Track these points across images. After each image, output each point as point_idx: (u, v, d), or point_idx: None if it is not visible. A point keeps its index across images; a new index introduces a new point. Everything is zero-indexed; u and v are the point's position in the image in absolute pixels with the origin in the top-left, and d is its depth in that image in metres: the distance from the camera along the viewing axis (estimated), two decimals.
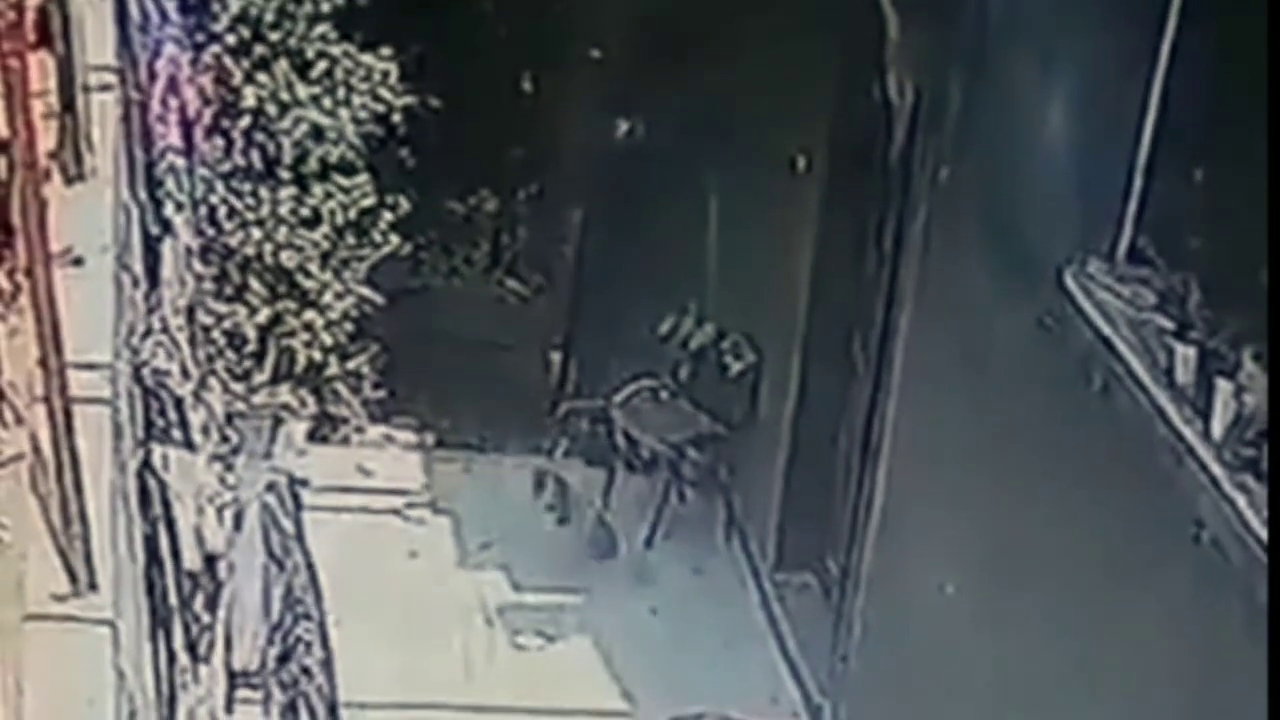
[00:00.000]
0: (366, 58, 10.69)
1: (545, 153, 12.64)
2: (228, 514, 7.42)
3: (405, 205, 11.03)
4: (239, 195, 10.56)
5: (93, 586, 4.71)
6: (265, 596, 8.01)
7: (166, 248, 7.56)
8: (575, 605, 10.26)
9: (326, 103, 10.61)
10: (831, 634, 9.60)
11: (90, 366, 5.20)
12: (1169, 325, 6.81)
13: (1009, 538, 7.78)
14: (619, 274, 11.77)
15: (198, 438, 6.73)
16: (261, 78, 10.48)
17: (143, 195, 7.43)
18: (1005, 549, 7.82)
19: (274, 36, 10.51)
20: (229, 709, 7.97)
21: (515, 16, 12.42)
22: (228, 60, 10.33)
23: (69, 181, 6.06)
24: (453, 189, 12.65)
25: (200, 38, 9.92)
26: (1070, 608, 7.28)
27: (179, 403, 6.51)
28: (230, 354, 10.56)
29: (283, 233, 10.68)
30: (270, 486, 8.17)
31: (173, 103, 8.46)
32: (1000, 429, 7.87)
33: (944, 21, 8.37)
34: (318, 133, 10.62)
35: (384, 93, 10.74)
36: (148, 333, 6.58)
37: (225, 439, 7.77)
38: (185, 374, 6.77)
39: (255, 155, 10.57)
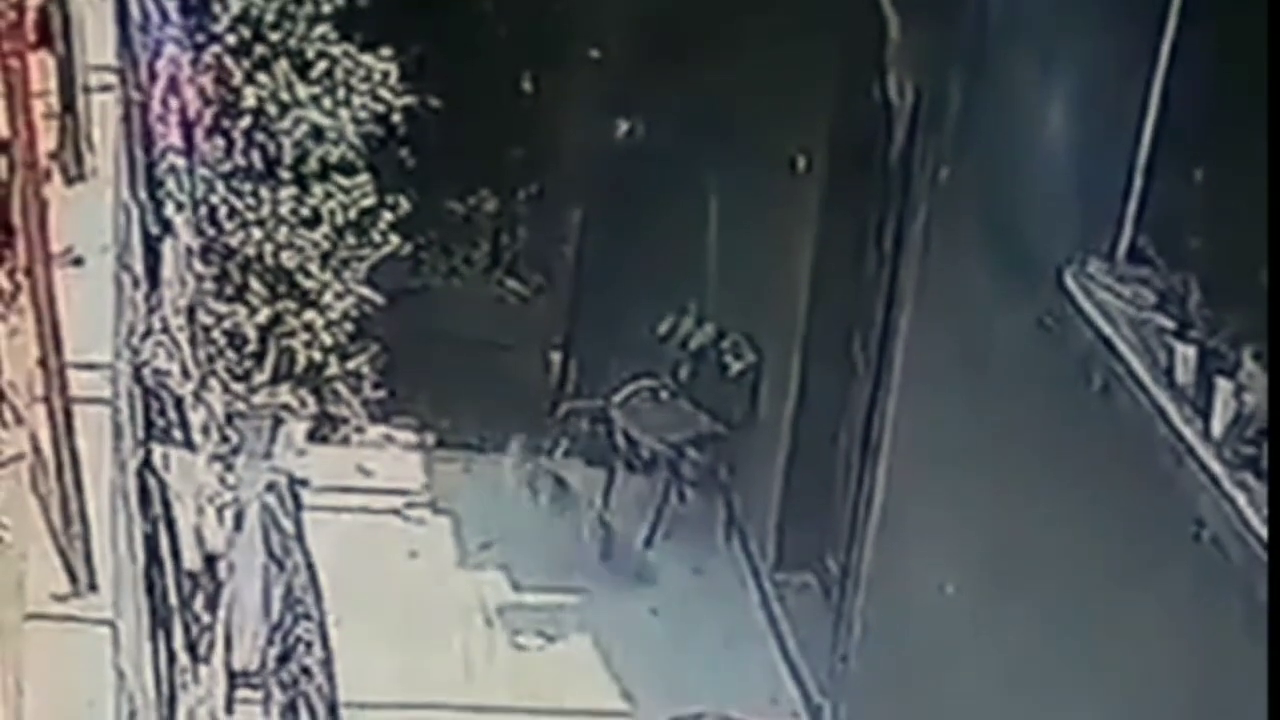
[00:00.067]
0: (367, 58, 10.69)
1: (545, 153, 12.64)
2: (228, 514, 7.42)
3: (405, 205, 11.03)
4: (239, 195, 10.56)
5: (93, 586, 4.71)
6: (265, 596, 8.01)
7: (167, 248, 7.56)
8: (575, 605, 10.26)
9: (326, 103, 10.62)
10: (831, 634, 9.60)
11: (90, 366, 5.20)
12: (1169, 325, 6.81)
13: (1009, 537, 7.77)
14: (619, 274, 11.77)
15: (198, 438, 6.73)
16: (262, 78, 10.48)
17: (143, 195, 7.43)
18: (1005, 549, 7.82)
19: (274, 37, 10.51)
20: (229, 709, 7.97)
21: (515, 16, 12.42)
22: (228, 60, 10.33)
23: (69, 181, 6.06)
24: (453, 189, 12.65)
25: (200, 38, 9.92)
26: (1070, 607, 7.28)
27: (179, 403, 6.51)
28: (230, 354, 10.56)
29: (283, 233, 10.68)
30: (270, 486, 8.17)
31: (173, 103, 8.46)
32: (1000, 429, 7.87)
33: (944, 22, 8.37)
34: (318, 133, 10.62)
35: (384, 93, 10.74)
36: (148, 333, 6.58)
37: (225, 439, 7.77)
38: (185, 374, 6.77)
39: (255, 155, 10.57)
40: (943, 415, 8.49)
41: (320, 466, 10.63)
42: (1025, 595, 7.64)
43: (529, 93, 12.71)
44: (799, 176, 9.97)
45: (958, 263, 8.32)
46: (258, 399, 10.58)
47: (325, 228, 10.81)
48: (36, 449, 4.64)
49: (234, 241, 10.60)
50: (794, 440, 10.23)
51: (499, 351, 12.46)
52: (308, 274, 10.80)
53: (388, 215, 10.97)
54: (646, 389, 11.01)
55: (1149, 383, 6.68)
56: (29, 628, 4.53)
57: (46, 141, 5.68)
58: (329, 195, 10.76)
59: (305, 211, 10.73)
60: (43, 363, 4.59)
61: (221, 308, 10.47)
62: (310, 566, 8.25)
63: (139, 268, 6.88)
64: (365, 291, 11.02)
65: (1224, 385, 6.36)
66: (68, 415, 4.61)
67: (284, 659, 8.01)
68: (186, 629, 6.65)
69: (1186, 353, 6.61)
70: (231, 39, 10.34)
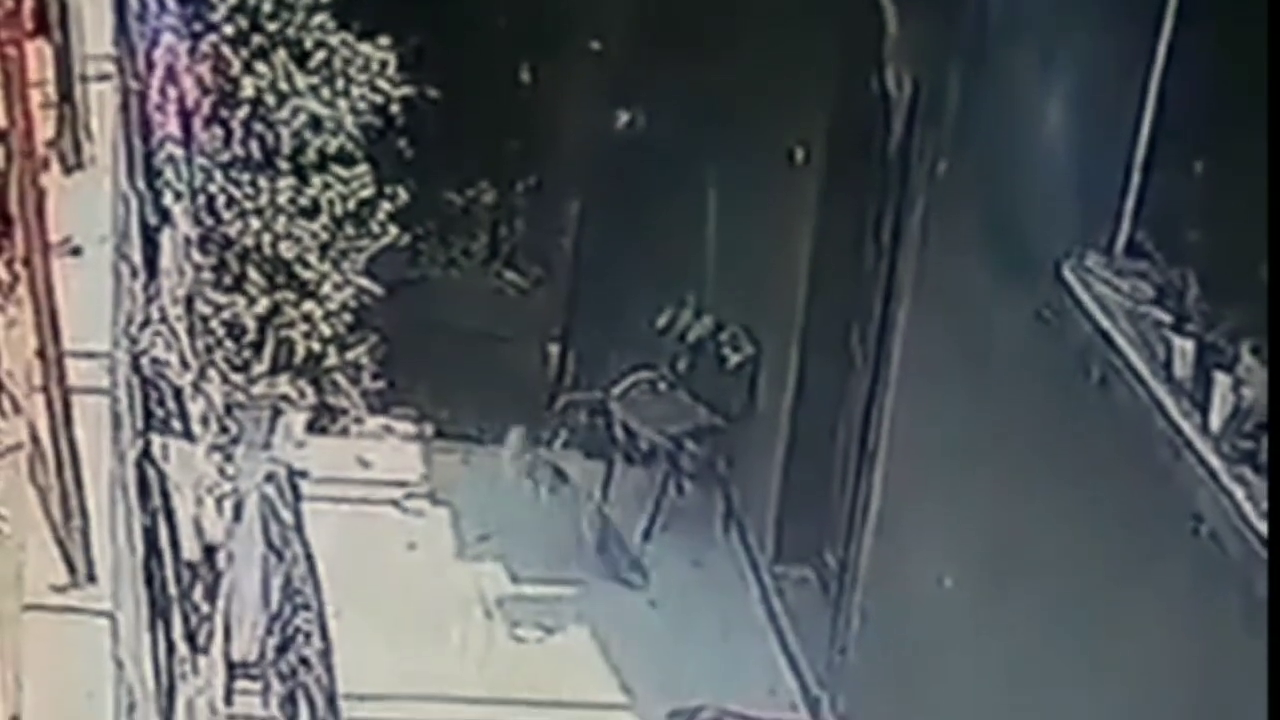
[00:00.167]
0: (365, 48, 10.68)
1: (544, 144, 12.64)
2: (227, 505, 7.42)
3: (404, 196, 11.02)
4: (238, 185, 10.55)
5: (91, 577, 4.71)
6: (264, 587, 8.01)
7: (165, 237, 7.55)
8: (574, 597, 10.26)
9: (325, 93, 10.61)
10: (830, 627, 9.60)
11: (89, 356, 5.20)
12: (1167, 319, 6.82)
13: (1007, 530, 7.77)
14: (617, 266, 11.77)
15: (197, 428, 6.72)
16: (260, 67, 10.47)
17: (141, 185, 7.42)
18: (1003, 542, 7.82)
19: (272, 26, 10.50)
20: (228, 700, 7.97)
21: (514, 7, 12.41)
22: (226, 50, 10.31)
23: (67, 171, 6.05)
24: (451, 180, 12.64)
25: (198, 27, 9.90)
26: (1068, 600, 7.28)
27: (178, 393, 6.50)
28: (229, 344, 10.55)
29: (281, 223, 10.67)
30: (269, 477, 8.17)
31: (171, 92, 8.45)
32: (998, 421, 7.87)
33: (943, 15, 8.37)
34: (316, 123, 10.61)
35: (382, 83, 10.73)
36: (146, 323, 6.57)
37: (224, 429, 7.77)
38: (184, 364, 6.76)
39: (254, 145, 10.56)
40: (941, 408, 8.49)
41: (319, 458, 10.62)
42: (1023, 588, 7.64)
43: (527, 84, 12.71)
44: (797, 169, 9.97)
45: (956, 255, 8.32)
46: (256, 389, 10.57)
47: (324, 218, 10.80)
48: (35, 439, 4.63)
49: (232, 231, 10.59)
50: (792, 433, 10.23)
51: (497, 343, 12.45)
52: (306, 264, 10.79)
53: (386, 206, 10.96)
54: (645, 381, 11.00)
55: (1147, 376, 6.69)
56: (28, 619, 4.53)
57: (44, 130, 5.68)
58: (327, 186, 10.75)
59: (304, 202, 10.72)
60: (41, 353, 4.59)
61: (220, 298, 10.46)
62: (309, 557, 8.25)
63: (137, 257, 6.87)
64: (364, 282, 11.02)
65: (1222, 379, 6.36)
66: (66, 405, 4.61)
67: (283, 650, 8.01)
68: (185, 620, 6.65)
69: (1185, 346, 6.61)
70: (229, 28, 10.33)
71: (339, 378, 11.21)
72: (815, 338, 10.04)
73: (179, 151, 8.44)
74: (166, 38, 8.51)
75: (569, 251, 12.50)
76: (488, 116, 12.32)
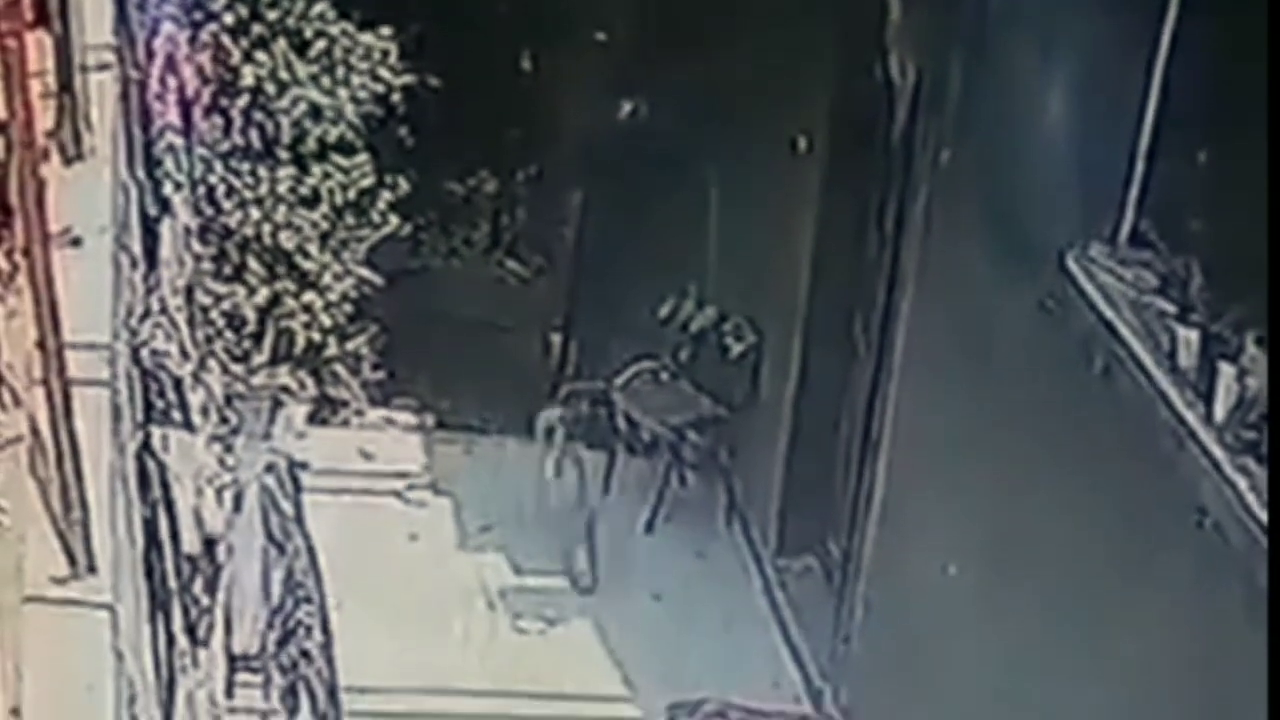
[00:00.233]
0: (365, 36, 10.66)
1: (545, 133, 12.60)
2: (227, 496, 7.40)
3: (404, 186, 11.00)
4: (238, 175, 10.53)
5: (92, 569, 4.70)
6: (265, 579, 7.99)
7: (165, 228, 7.54)
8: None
9: (325, 82, 10.58)
10: (833, 618, 9.58)
11: (89, 347, 5.18)
12: (1171, 308, 6.80)
13: (1010, 521, 7.76)
14: (619, 256, 11.74)
15: (197, 419, 6.71)
16: (260, 56, 10.44)
17: (141, 175, 7.40)
18: (1006, 532, 7.81)
19: (272, 15, 10.47)
20: (229, 692, 7.96)
21: None
22: (226, 39, 10.29)
23: (67, 161, 6.04)
24: (452, 169, 12.61)
25: (198, 16, 9.89)
26: (1071, 591, 7.27)
27: (178, 384, 6.48)
28: (229, 335, 10.53)
29: (281, 213, 10.65)
30: (270, 468, 8.14)
31: (171, 82, 8.44)
32: (1001, 411, 7.86)
33: (946, 2, 8.34)
34: (316, 112, 10.59)
35: (383, 72, 10.70)
36: (146, 314, 6.56)
37: (224, 420, 7.75)
38: (184, 355, 6.74)
39: (254, 135, 10.53)
40: (944, 398, 8.47)
41: (320, 449, 10.60)
42: (1026, 579, 7.63)
43: (529, 72, 12.67)
44: (800, 157, 9.94)
45: (959, 244, 8.30)
46: (257, 380, 10.55)
47: (324, 208, 10.78)
48: (35, 431, 4.62)
49: (232, 221, 10.57)
50: (795, 423, 10.21)
51: (499, 333, 12.43)
52: (306, 254, 10.77)
53: (387, 195, 10.94)
54: (647, 371, 10.98)
55: (1151, 366, 6.67)
56: (28, 610, 4.52)
57: (44, 121, 5.66)
58: (328, 175, 10.73)
59: (304, 191, 10.70)
60: (41, 344, 4.58)
61: (220, 288, 10.45)
62: (310, 549, 8.23)
63: (137, 248, 6.86)
64: (364, 272, 11.00)
65: (1226, 370, 6.34)
66: (66, 397, 4.59)
67: (284, 642, 7.99)
68: (186, 612, 6.64)
69: (1189, 336, 6.60)
70: (229, 17, 10.30)
71: (339, 368, 11.19)
72: (818, 327, 10.02)
73: (179, 141, 8.43)
74: (166, 27, 8.50)
75: (571, 241, 12.48)
76: (489, 106, 12.29)
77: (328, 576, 8.39)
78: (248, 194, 10.57)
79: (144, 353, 6.39)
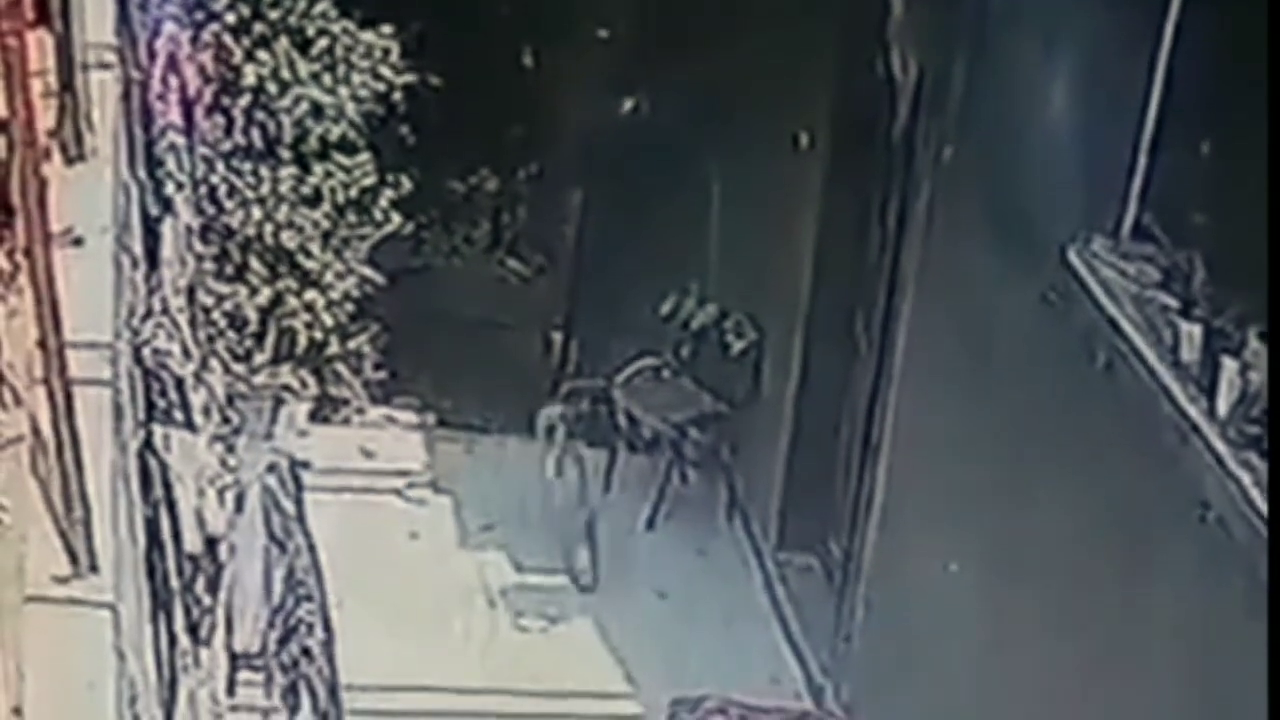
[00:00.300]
0: (367, 35, 10.66)
1: (546, 131, 12.60)
2: (229, 495, 7.40)
3: (406, 184, 10.99)
4: (239, 174, 10.53)
5: (93, 569, 4.69)
6: (266, 578, 7.99)
7: (166, 227, 7.53)
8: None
9: (327, 80, 10.58)
10: (834, 615, 9.58)
11: (90, 346, 5.18)
12: (1173, 303, 6.79)
13: (1012, 517, 7.75)
14: (620, 253, 11.74)
15: (199, 419, 6.70)
16: (262, 55, 10.44)
17: (142, 174, 7.40)
18: (1008, 528, 7.80)
19: (274, 14, 10.47)
20: (230, 691, 7.96)
21: None
22: (227, 38, 10.29)
23: (69, 161, 6.03)
24: (454, 168, 12.61)
25: (200, 15, 9.88)
26: (1073, 588, 7.27)
27: (180, 383, 6.48)
28: (231, 334, 10.53)
29: (283, 212, 10.65)
30: (271, 468, 8.14)
31: (173, 81, 8.43)
32: (1004, 406, 7.85)
33: None
34: (318, 111, 10.58)
35: (384, 70, 10.70)
36: (148, 313, 6.55)
37: (226, 420, 7.74)
38: (186, 354, 6.74)
39: (255, 134, 10.53)
40: (946, 395, 8.47)
41: (322, 447, 10.60)
42: (1028, 575, 7.62)
43: (530, 70, 12.67)
44: (801, 154, 9.94)
45: (961, 240, 8.29)
46: (259, 380, 10.54)
47: (326, 207, 10.78)
48: (36, 430, 4.62)
49: (234, 221, 10.57)
50: (796, 420, 10.21)
51: (500, 331, 12.43)
52: (308, 254, 10.77)
53: (388, 194, 10.94)
54: (648, 368, 10.98)
55: (1153, 361, 6.66)
56: (29, 610, 4.51)
57: (45, 120, 5.66)
58: (329, 174, 10.73)
59: (306, 190, 10.70)
60: (42, 344, 4.57)
61: (222, 288, 10.44)
62: (311, 548, 8.23)
63: (138, 248, 6.85)
64: (366, 271, 11.00)
65: (1229, 364, 6.34)
66: (68, 396, 4.59)
67: (285, 641, 7.99)
68: (187, 611, 6.64)
69: (1191, 331, 6.59)
70: (231, 16, 10.30)
71: (341, 367, 11.19)
72: (819, 324, 10.02)
73: (180, 140, 8.42)
74: (168, 26, 8.49)
75: (572, 239, 12.48)
76: (490, 104, 12.29)
77: (329, 575, 8.39)
78: (249, 193, 10.57)
79: (146, 352, 6.38)
